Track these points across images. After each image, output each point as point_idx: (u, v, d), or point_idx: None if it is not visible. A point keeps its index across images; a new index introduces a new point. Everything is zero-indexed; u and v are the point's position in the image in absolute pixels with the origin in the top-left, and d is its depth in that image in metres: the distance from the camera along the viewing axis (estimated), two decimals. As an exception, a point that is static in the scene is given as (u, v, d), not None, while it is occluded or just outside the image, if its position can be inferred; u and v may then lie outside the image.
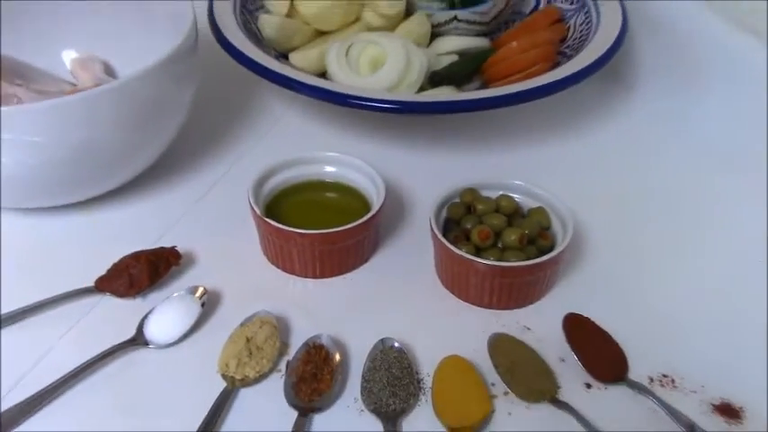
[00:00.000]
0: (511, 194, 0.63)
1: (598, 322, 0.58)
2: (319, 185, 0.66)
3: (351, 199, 0.65)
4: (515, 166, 0.73)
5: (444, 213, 0.63)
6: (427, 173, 0.71)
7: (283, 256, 0.62)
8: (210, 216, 0.69)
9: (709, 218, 0.69)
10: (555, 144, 0.78)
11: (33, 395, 0.52)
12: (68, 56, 0.78)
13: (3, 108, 0.57)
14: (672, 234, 0.68)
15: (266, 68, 0.71)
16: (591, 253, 0.65)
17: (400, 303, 0.61)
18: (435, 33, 0.84)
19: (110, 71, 0.78)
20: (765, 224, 0.67)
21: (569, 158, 0.76)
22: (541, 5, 0.88)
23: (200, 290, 0.59)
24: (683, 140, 0.77)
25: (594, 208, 0.68)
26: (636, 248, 0.66)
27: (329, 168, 0.66)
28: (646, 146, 0.78)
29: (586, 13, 0.81)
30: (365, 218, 0.60)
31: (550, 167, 0.74)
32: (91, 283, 0.60)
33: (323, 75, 0.79)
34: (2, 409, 0.51)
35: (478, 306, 0.60)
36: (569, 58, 0.77)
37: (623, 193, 0.72)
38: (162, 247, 0.62)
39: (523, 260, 0.58)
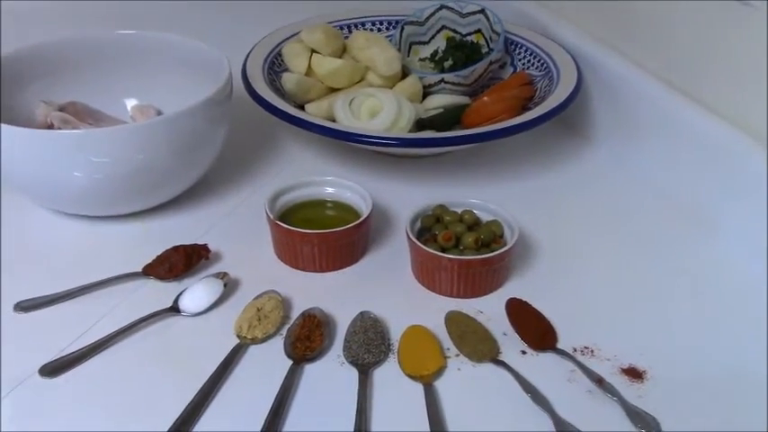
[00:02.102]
0: (473, 210, 0.80)
1: (536, 306, 0.73)
2: (321, 203, 0.83)
3: (346, 214, 0.82)
4: (483, 197, 0.90)
5: (419, 224, 0.79)
6: (409, 198, 0.87)
7: (290, 253, 0.78)
8: (235, 227, 0.85)
9: (634, 233, 0.85)
10: (519, 180, 0.94)
11: (93, 343, 0.68)
12: (129, 103, 0.97)
13: (79, 131, 0.76)
14: (601, 245, 0.84)
15: (287, 113, 0.89)
16: (536, 259, 0.80)
17: (381, 290, 0.76)
18: (426, 92, 1.02)
19: (160, 114, 0.97)
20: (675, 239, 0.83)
21: (530, 191, 0.92)
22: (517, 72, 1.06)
23: (223, 274, 0.75)
24: (626, 179, 0.94)
25: (544, 227, 0.84)
26: (571, 255, 0.82)
27: (329, 189, 0.83)
28: (595, 183, 0.94)
29: (550, 78, 0.99)
30: (355, 223, 0.77)
31: (514, 197, 0.89)
32: (139, 269, 0.77)
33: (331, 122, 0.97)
34: (68, 353, 0.68)
35: (444, 296, 0.76)
36: (532, 111, 0.95)
37: (569, 216, 0.88)
38: (196, 244, 0.78)
39: (478, 257, 0.74)
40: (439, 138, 0.87)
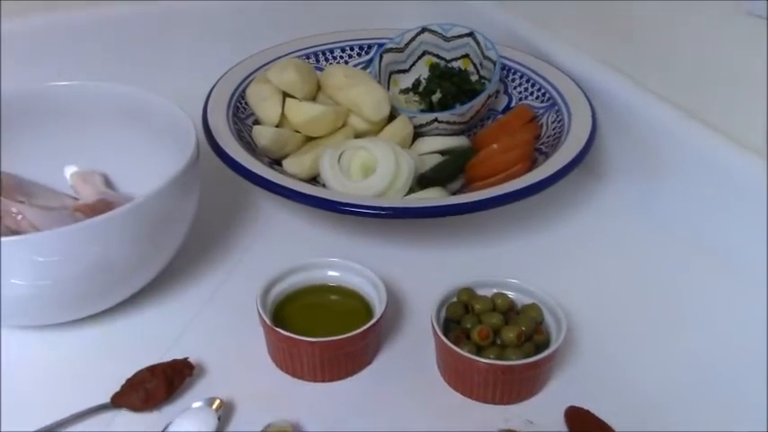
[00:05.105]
0: (505, 292, 0.67)
1: (597, 412, 0.61)
2: (323, 289, 0.69)
3: (353, 301, 0.68)
4: (500, 261, 0.78)
5: (444, 313, 0.67)
6: (418, 270, 0.75)
7: (292, 361, 0.65)
8: (217, 319, 0.71)
9: (673, 295, 0.75)
10: (533, 237, 0.82)
11: None
12: (69, 170, 0.80)
13: (9, 239, 0.59)
14: (639, 313, 0.72)
15: (264, 179, 0.75)
16: (579, 340, 0.69)
17: (406, 402, 0.63)
18: (417, 134, 0.89)
19: (108, 183, 0.81)
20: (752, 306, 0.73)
21: (548, 250, 0.80)
22: (513, 103, 0.94)
23: (217, 402, 0.61)
24: (649, 225, 0.83)
25: (576, 296, 0.72)
26: (619, 332, 0.70)
27: (332, 273, 0.70)
28: (614, 232, 0.83)
29: (557, 111, 0.87)
30: (369, 324, 0.63)
31: (532, 259, 0.78)
32: (106, 399, 0.62)
33: (314, 178, 0.83)
34: None
35: (481, 402, 0.63)
36: (545, 155, 0.83)
37: (602, 279, 0.77)
38: (175, 360, 0.64)
39: (522, 357, 0.62)
40: (452, 205, 0.73)
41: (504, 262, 0.78)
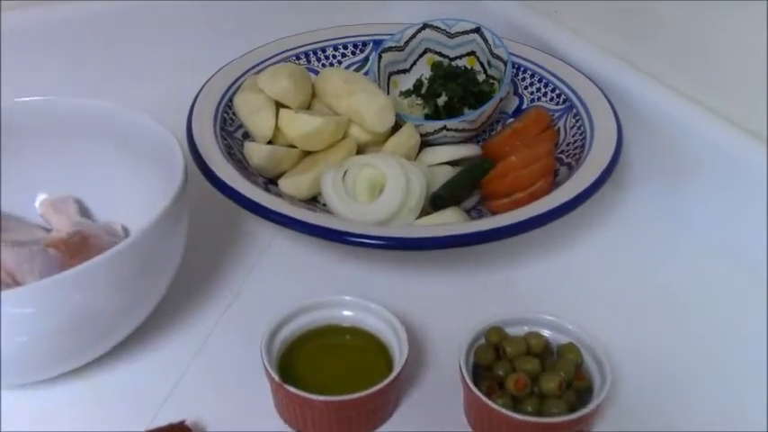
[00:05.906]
0: (538, 330, 0.60)
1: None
2: (336, 330, 0.62)
3: (369, 345, 0.61)
4: (523, 287, 0.71)
5: (472, 357, 0.59)
6: (434, 300, 0.68)
7: (304, 420, 0.57)
8: (213, 368, 0.63)
9: (730, 322, 0.68)
10: (555, 257, 0.75)
11: None
12: (39, 197, 0.71)
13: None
14: (693, 348, 0.66)
15: (262, 206, 0.67)
16: (618, 373, 0.61)
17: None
18: (423, 142, 0.81)
19: (84, 210, 0.72)
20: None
21: (573, 272, 0.73)
22: (525, 105, 0.86)
23: (223, 476, 0.53)
24: (682, 240, 0.77)
25: (608, 325, 0.64)
26: (660, 366, 0.64)
27: (346, 313, 0.62)
28: (645, 248, 0.76)
29: (575, 115, 0.80)
30: (389, 379, 0.56)
31: (556, 283, 0.72)
32: (95, 472, 0.54)
33: (314, 199, 0.75)
34: None
35: (518, 458, 0.57)
36: (567, 165, 0.76)
37: (634, 304, 0.70)
38: (172, 424, 0.56)
39: (564, 408, 0.55)
40: (475, 234, 0.64)
41: (527, 288, 0.71)
